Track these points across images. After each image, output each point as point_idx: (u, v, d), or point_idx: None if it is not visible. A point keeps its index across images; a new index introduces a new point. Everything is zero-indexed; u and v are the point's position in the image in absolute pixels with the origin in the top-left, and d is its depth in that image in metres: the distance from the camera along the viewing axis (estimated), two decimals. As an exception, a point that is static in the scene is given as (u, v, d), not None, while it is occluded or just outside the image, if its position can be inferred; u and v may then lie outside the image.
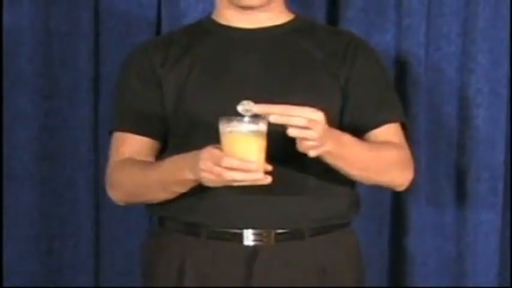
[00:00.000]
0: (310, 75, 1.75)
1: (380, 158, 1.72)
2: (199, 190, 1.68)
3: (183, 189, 1.67)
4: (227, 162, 1.50)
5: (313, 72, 1.75)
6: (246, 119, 1.52)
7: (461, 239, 2.49)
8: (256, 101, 1.64)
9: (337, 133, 1.63)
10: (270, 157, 1.55)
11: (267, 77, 1.73)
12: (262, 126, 1.52)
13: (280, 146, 1.56)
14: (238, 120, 1.52)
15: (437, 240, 2.49)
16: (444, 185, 2.48)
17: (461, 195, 2.48)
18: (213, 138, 1.66)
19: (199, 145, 1.68)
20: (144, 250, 1.85)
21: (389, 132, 1.77)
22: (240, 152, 1.51)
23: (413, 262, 2.48)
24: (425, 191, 2.46)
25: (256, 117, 1.52)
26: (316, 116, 1.51)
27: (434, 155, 2.46)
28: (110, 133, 1.81)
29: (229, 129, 1.52)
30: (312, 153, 1.55)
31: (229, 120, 1.52)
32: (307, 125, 1.50)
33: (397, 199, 2.46)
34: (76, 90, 2.39)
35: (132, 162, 1.75)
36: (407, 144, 1.80)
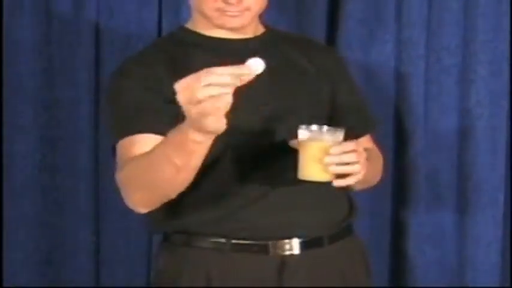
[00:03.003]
0: (305, 81, 1.78)
1: (375, 170, 1.83)
2: (222, 204, 1.69)
3: (192, 159, 1.51)
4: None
5: (307, 78, 1.79)
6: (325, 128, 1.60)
7: (461, 250, 2.49)
8: (261, 109, 1.66)
9: None
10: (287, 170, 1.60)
11: (270, 87, 1.73)
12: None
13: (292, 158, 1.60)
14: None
15: (437, 251, 2.49)
16: (444, 196, 2.48)
17: (461, 206, 2.48)
18: (222, 151, 1.66)
19: (222, 156, 1.68)
20: (163, 267, 1.79)
21: (368, 139, 1.90)
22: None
23: (413, 273, 2.47)
24: (425, 202, 2.45)
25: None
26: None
27: (434, 166, 2.46)
28: (114, 145, 1.70)
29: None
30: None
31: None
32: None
33: (397, 210, 2.46)
34: (76, 102, 2.39)
35: (139, 154, 1.62)
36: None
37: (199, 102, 1.37)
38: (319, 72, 1.81)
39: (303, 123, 1.67)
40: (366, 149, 1.80)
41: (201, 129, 1.42)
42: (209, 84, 1.37)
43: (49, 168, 2.42)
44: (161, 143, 1.56)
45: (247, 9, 1.73)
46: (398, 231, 2.48)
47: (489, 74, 2.43)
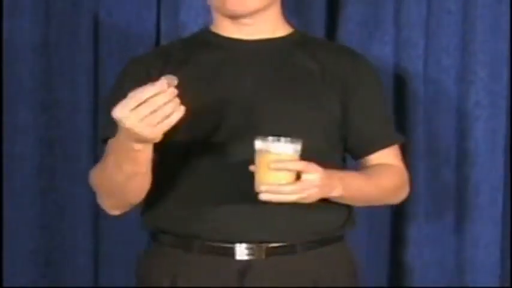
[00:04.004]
0: (308, 86, 1.76)
1: (381, 188, 1.79)
2: (194, 204, 1.69)
3: (141, 166, 1.62)
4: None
5: (311, 84, 1.77)
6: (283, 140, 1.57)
7: (460, 251, 2.49)
8: (255, 112, 1.65)
9: (340, 175, 1.68)
10: None
11: (264, 88, 1.74)
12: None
13: None
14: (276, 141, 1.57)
15: (436, 253, 2.48)
16: (443, 197, 2.48)
17: (460, 207, 2.48)
18: (211, 147, 1.67)
19: (197, 156, 1.68)
20: (138, 267, 1.85)
21: (387, 154, 1.84)
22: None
23: (412, 275, 2.47)
24: (424, 204, 2.45)
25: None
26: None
27: (433, 167, 2.46)
28: (103, 142, 1.78)
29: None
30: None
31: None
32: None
33: (396, 212, 2.46)
34: (76, 103, 2.39)
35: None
36: (403, 160, 1.87)
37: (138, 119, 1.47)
38: (329, 79, 1.77)
39: (292, 127, 1.68)
40: (372, 170, 1.79)
41: (145, 139, 1.53)
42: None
43: (48, 169, 2.42)
44: (110, 152, 1.65)
45: None
46: (397, 231, 2.48)
47: (488, 74, 2.43)
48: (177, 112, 1.48)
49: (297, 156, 1.57)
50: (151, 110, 1.46)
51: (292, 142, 1.56)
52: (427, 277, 2.48)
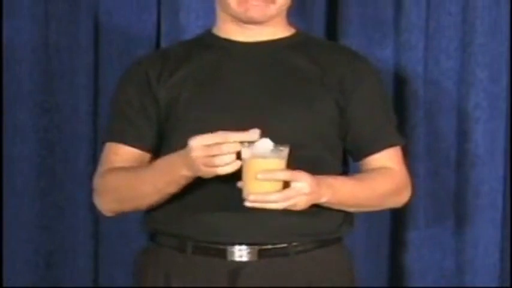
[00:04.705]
0: (303, 89, 1.76)
1: (375, 193, 1.77)
2: (189, 205, 1.71)
3: (176, 189, 1.67)
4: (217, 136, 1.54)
5: (307, 86, 1.76)
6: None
7: (460, 253, 2.49)
8: (248, 114, 1.66)
9: (329, 181, 1.67)
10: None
11: (259, 90, 1.74)
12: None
13: None
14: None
15: (436, 255, 2.49)
16: (443, 199, 2.48)
17: (460, 209, 2.48)
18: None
19: None
20: (135, 267, 1.86)
21: (386, 156, 1.81)
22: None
23: (412, 277, 2.48)
24: (423, 206, 2.45)
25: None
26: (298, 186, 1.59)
27: (433, 169, 2.46)
28: (103, 144, 1.82)
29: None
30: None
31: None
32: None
33: (396, 213, 2.46)
34: (75, 105, 2.40)
35: (121, 168, 1.75)
36: (404, 163, 1.84)
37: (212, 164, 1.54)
38: (329, 81, 1.76)
39: (291, 130, 1.68)
40: (367, 174, 1.78)
41: (196, 173, 1.60)
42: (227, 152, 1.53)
43: (48, 171, 2.42)
44: (150, 168, 1.71)
45: (273, 1, 1.74)
46: (396, 233, 2.48)
47: (488, 76, 2.43)
48: (231, 166, 1.54)
49: (283, 162, 1.56)
50: (218, 153, 1.52)
51: (278, 149, 1.56)
52: (427, 279, 2.48)
